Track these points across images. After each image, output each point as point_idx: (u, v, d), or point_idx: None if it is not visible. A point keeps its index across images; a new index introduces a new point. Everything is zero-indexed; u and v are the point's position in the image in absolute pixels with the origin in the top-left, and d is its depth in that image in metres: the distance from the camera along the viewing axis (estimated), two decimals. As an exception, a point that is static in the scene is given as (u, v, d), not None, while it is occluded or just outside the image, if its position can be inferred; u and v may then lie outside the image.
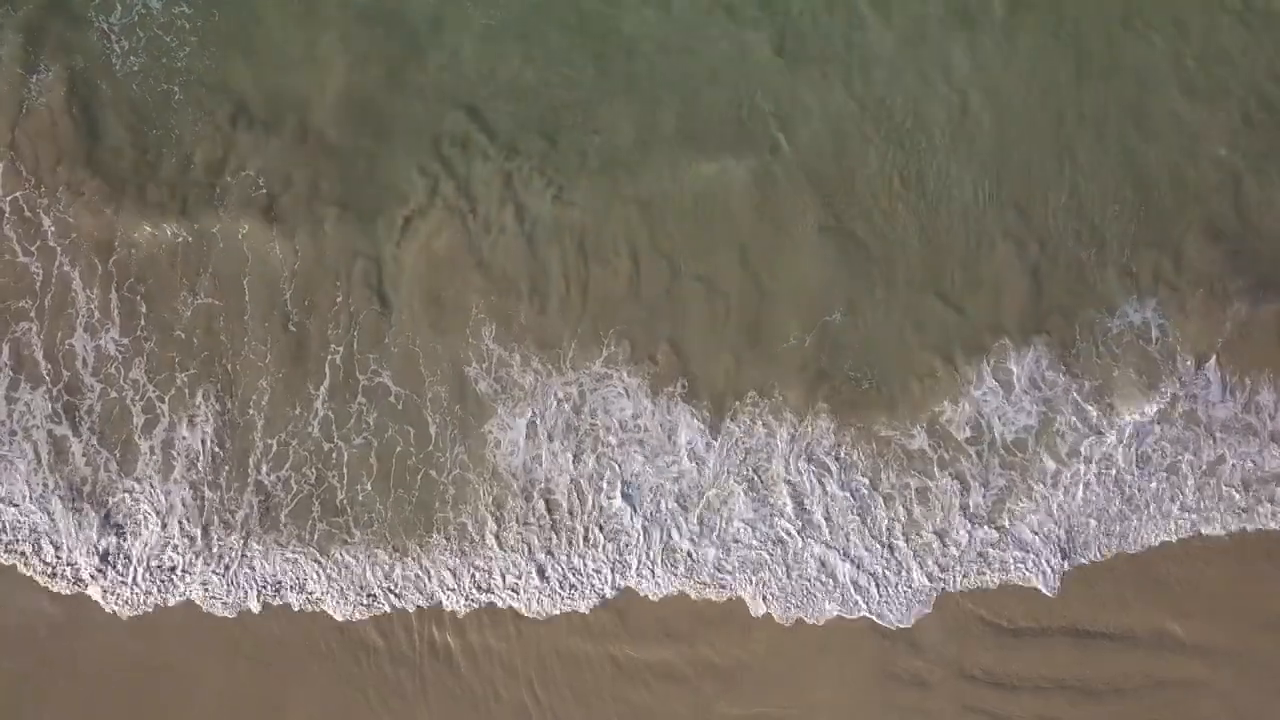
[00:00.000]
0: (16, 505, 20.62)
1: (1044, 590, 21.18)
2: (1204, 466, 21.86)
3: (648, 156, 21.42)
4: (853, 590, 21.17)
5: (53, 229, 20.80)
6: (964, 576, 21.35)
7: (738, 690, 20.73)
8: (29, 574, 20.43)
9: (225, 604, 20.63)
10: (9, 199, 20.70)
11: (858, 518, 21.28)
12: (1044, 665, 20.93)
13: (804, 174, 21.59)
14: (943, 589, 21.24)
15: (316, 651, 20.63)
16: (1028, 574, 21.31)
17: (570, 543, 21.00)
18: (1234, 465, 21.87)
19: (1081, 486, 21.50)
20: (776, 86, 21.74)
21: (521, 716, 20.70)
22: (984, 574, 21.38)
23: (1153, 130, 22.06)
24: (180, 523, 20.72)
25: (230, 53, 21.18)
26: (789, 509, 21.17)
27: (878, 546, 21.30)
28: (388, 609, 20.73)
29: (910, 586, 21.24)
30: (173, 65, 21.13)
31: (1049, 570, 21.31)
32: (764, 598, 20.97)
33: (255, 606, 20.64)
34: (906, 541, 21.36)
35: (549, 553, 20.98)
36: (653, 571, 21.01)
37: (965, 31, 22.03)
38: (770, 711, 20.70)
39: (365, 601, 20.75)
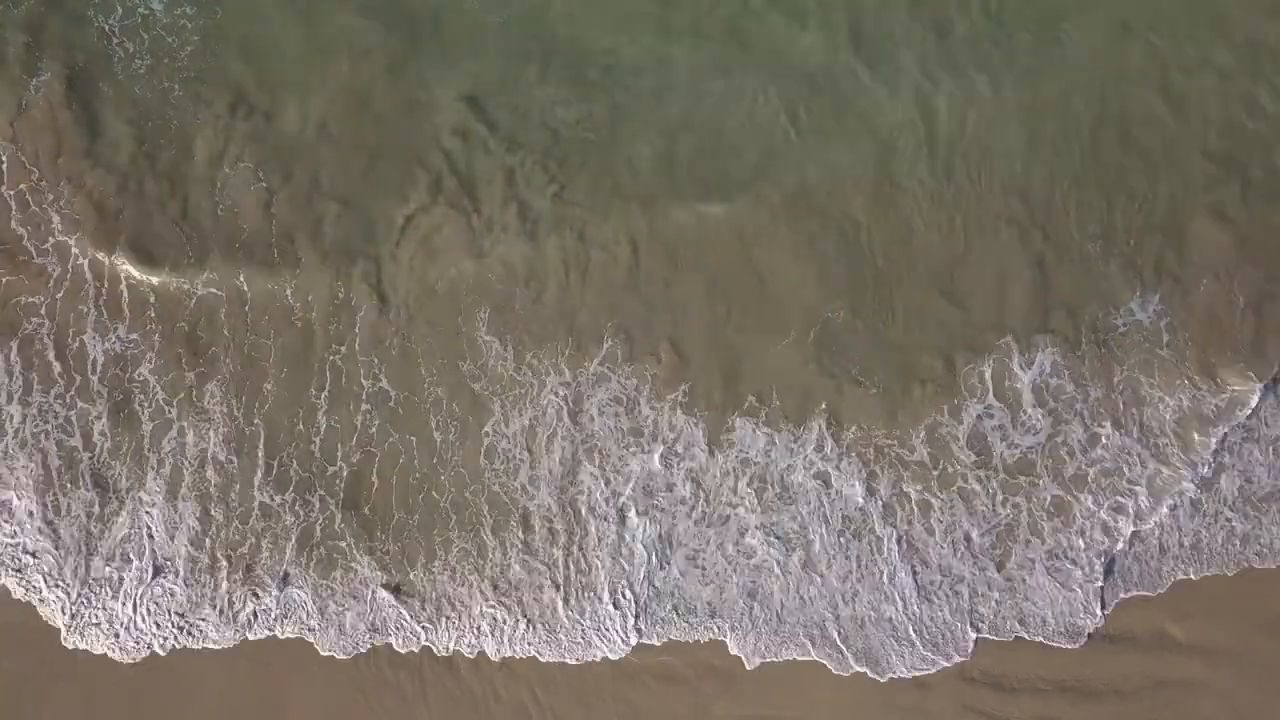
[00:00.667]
0: (22, 527, 20.67)
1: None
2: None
3: (648, 190, 21.54)
4: (841, 644, 20.84)
5: (59, 225, 20.98)
6: (979, 627, 20.93)
7: (737, 691, 20.69)
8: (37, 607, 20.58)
9: (221, 641, 20.67)
10: (14, 192, 20.93)
11: (859, 552, 20.98)
12: (1043, 666, 20.87)
13: (804, 175, 21.66)
14: (952, 657, 20.88)
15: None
16: (1045, 631, 20.94)
17: (568, 580, 20.84)
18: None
19: (1098, 518, 21.09)
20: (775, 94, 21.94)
21: (521, 717, 20.67)
22: (1000, 625, 20.89)
23: (1151, 123, 22.02)
24: (185, 549, 20.71)
25: (231, 49, 21.41)
26: (784, 537, 20.95)
27: (879, 589, 20.96)
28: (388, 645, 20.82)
29: (916, 638, 20.90)
30: (175, 65, 21.31)
31: (1073, 627, 20.95)
32: (753, 646, 20.72)
33: (257, 635, 20.71)
34: (916, 594, 20.94)
35: (548, 595, 20.85)
36: (644, 619, 20.79)
37: (963, 35, 22.13)
38: (769, 713, 20.65)
39: (361, 639, 20.71)
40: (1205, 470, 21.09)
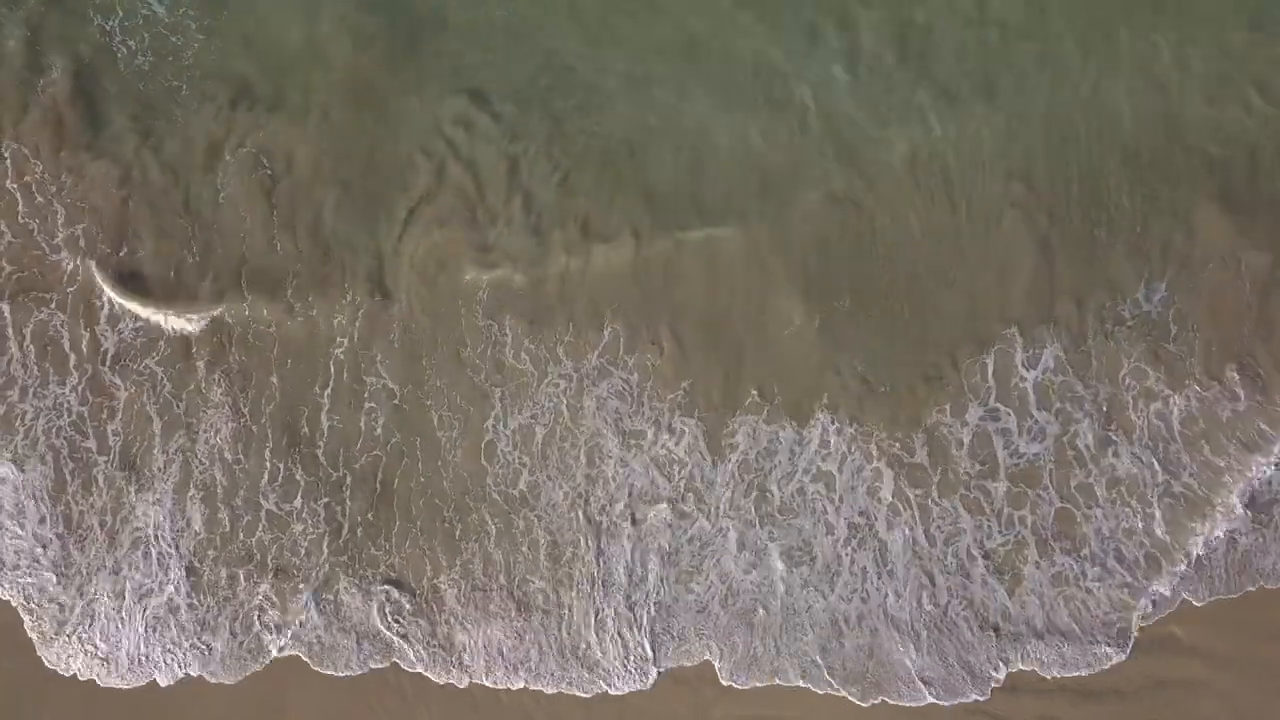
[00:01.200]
0: (39, 528, 20.60)
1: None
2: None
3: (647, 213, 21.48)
4: (844, 682, 20.53)
5: (64, 214, 21.10)
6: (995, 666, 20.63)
7: (738, 691, 20.63)
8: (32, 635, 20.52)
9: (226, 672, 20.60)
10: (18, 185, 21.07)
11: (864, 564, 20.69)
12: (1044, 666, 20.96)
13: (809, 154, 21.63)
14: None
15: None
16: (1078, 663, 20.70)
17: (568, 612, 20.71)
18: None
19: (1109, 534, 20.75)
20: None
21: (524, 718, 20.66)
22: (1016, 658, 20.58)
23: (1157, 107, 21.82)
24: (192, 560, 20.66)
25: (235, 45, 21.56)
26: (786, 551, 20.76)
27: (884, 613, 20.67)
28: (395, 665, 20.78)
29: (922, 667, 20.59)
30: (180, 64, 21.45)
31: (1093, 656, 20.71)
32: (748, 674, 20.55)
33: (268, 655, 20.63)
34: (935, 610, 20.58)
35: (552, 628, 20.70)
36: (660, 656, 20.65)
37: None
38: (770, 713, 20.60)
39: (364, 662, 20.67)
40: (1243, 495, 20.68)
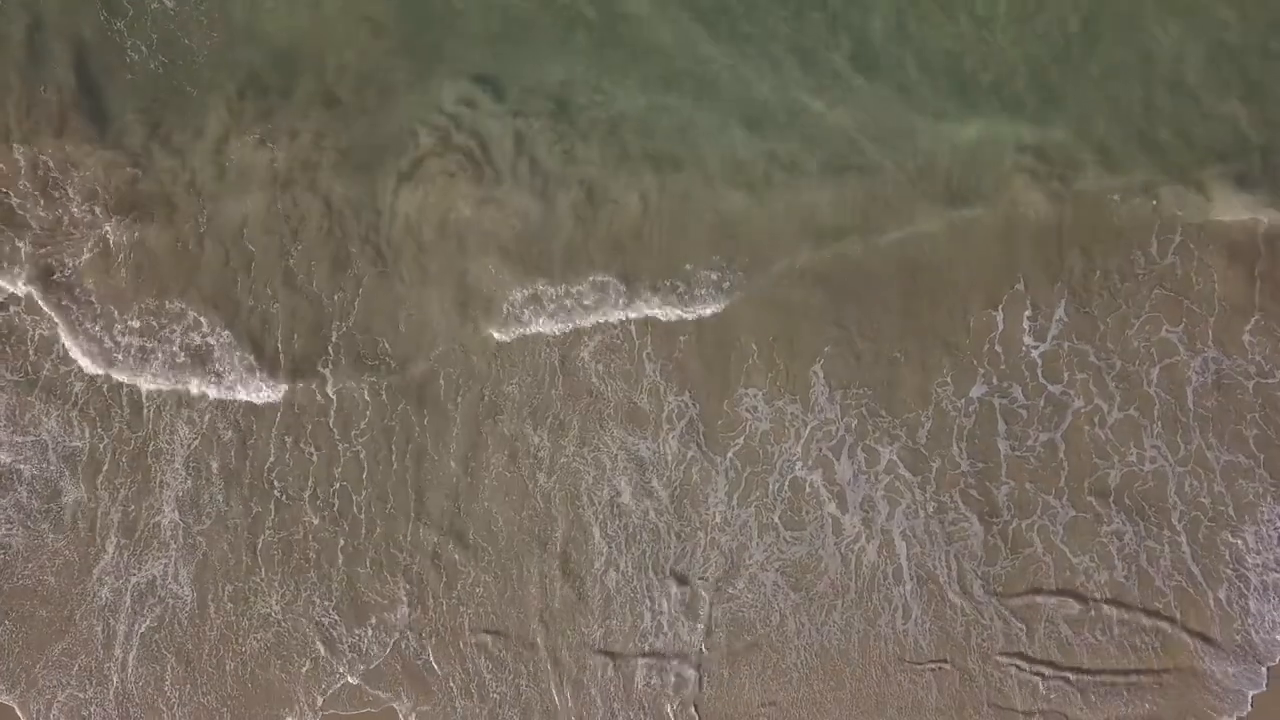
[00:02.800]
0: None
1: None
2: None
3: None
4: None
5: (79, 199, 21.21)
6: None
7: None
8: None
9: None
10: (33, 178, 21.24)
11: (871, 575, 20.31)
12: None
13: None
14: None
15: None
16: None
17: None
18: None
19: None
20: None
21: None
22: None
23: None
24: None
25: (238, 34, 21.72)
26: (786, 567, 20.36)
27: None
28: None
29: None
30: (190, 64, 21.62)
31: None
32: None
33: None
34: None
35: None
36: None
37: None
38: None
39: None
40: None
